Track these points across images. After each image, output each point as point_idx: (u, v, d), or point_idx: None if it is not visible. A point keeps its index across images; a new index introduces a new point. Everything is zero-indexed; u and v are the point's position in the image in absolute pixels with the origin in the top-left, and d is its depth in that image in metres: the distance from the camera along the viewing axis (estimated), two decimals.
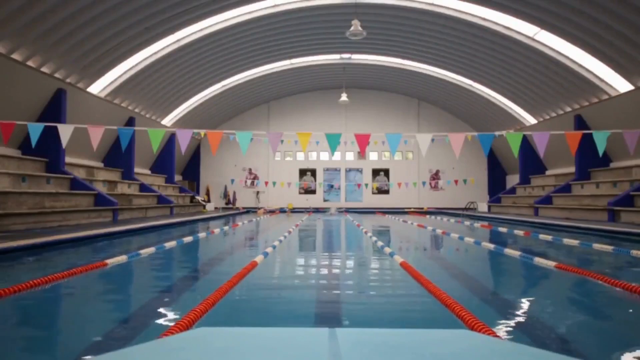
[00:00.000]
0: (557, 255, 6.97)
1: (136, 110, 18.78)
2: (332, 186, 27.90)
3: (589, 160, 17.03)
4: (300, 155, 27.95)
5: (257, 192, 27.61)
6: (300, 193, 27.74)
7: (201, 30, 16.28)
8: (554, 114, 19.40)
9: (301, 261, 7.33)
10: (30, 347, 3.01)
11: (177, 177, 25.78)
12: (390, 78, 24.73)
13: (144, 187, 18.49)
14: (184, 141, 8.58)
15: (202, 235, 10.88)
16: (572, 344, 3.04)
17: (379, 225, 15.49)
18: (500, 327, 3.30)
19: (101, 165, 17.53)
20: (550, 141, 8.87)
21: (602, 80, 15.63)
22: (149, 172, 21.70)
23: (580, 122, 17.39)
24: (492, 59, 18.05)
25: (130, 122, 18.19)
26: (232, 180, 25.19)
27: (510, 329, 3.28)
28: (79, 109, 14.72)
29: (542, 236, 10.20)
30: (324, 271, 6.11)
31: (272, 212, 24.45)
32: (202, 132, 9.61)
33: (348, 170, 28.15)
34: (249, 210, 25.67)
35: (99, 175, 16.44)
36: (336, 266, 6.55)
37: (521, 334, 3.17)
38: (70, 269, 5.26)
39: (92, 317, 3.73)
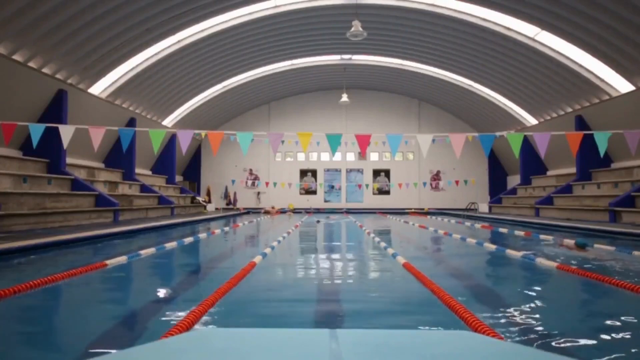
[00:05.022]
0: (558, 256, 6.96)
1: (137, 111, 18.80)
2: (332, 187, 27.90)
3: (590, 160, 17.02)
4: (301, 156, 27.95)
5: (258, 193, 27.62)
6: (301, 194, 27.74)
7: (202, 31, 16.30)
8: (554, 115, 19.39)
9: (302, 262, 7.33)
10: (31, 348, 3.01)
11: (178, 178, 25.80)
12: (390, 78, 24.74)
13: (144, 188, 18.50)
14: (184, 142, 8.59)
15: (202, 235, 10.88)
16: (573, 344, 3.03)
17: (380, 226, 15.49)
18: (501, 327, 3.29)
19: (102, 166, 17.55)
20: (551, 142, 8.85)
21: (602, 81, 15.62)
22: (149, 172, 21.72)
23: (581, 123, 17.38)
24: (492, 59, 18.05)
25: (131, 122, 18.20)
26: (233, 181, 25.20)
27: (512, 329, 3.28)
28: (80, 109, 14.74)
29: (543, 237, 10.19)
30: (326, 272, 6.10)
31: (267, 212, 24.33)
32: (203, 132, 9.62)
33: (349, 171, 28.15)
34: (249, 211, 25.69)
35: (100, 176, 16.46)
36: (338, 267, 6.54)
37: (523, 335, 3.17)
38: (70, 270, 5.27)
39: (93, 318, 3.73)
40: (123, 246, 8.82)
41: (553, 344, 3.01)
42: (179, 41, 16.37)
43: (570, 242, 7.89)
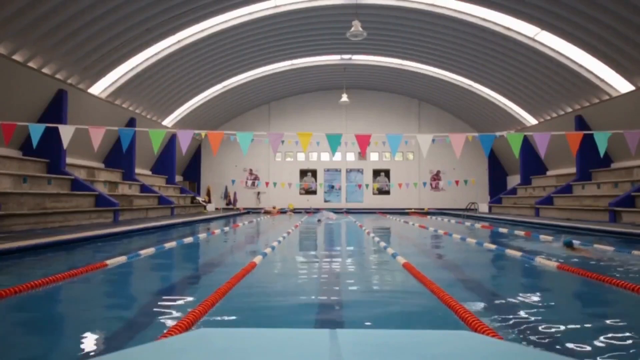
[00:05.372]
0: (558, 256, 6.96)
1: (137, 111, 18.80)
2: (332, 187, 27.90)
3: (590, 160, 17.02)
4: (301, 156, 27.95)
5: (258, 193, 27.62)
6: (301, 194, 27.74)
7: (202, 31, 16.30)
8: (554, 115, 19.39)
9: (302, 262, 7.32)
10: (31, 348, 3.01)
11: (178, 178, 25.79)
12: (390, 78, 24.74)
13: (144, 188, 18.50)
14: (184, 142, 8.59)
15: (202, 235, 10.88)
16: (572, 344, 3.03)
17: (380, 226, 15.49)
18: (501, 327, 3.29)
19: (102, 166, 17.54)
20: (551, 142, 8.85)
21: (602, 81, 15.62)
22: (149, 172, 21.72)
23: (581, 123, 17.38)
24: (492, 59, 18.05)
25: (131, 122, 18.20)
26: (233, 181, 25.20)
27: (512, 329, 3.28)
28: (80, 109, 14.73)
29: (543, 237, 10.20)
30: (326, 272, 6.10)
31: (269, 212, 24.40)
32: (203, 132, 9.62)
33: (349, 171, 28.14)
34: (249, 211, 25.70)
35: (100, 176, 16.45)
36: (337, 267, 6.54)
37: (523, 334, 3.17)
38: (70, 270, 5.27)
39: (93, 318, 3.73)
40: (123, 246, 8.82)
41: (553, 343, 3.01)
42: (179, 41, 16.36)
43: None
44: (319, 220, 16.66)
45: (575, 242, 8.09)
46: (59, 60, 12.84)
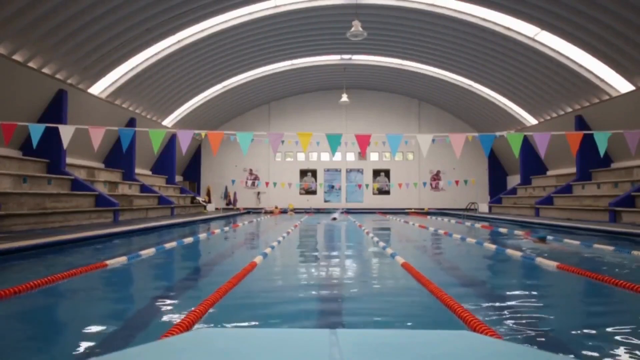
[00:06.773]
0: (558, 256, 6.96)
1: (137, 111, 18.80)
2: (332, 187, 27.90)
3: (590, 160, 17.02)
4: (301, 156, 27.95)
5: (258, 193, 27.62)
6: (301, 194, 27.74)
7: (202, 31, 16.30)
8: (554, 115, 19.39)
9: (301, 262, 7.33)
10: (31, 348, 3.01)
11: (178, 178, 25.80)
12: (390, 78, 24.74)
13: (144, 188, 18.50)
14: (184, 142, 8.59)
15: (202, 236, 10.88)
16: (572, 344, 3.04)
17: (380, 226, 15.49)
18: (501, 327, 3.29)
19: (102, 166, 17.54)
20: (551, 142, 8.86)
21: (602, 81, 15.62)
22: (149, 172, 21.72)
23: (581, 123, 17.38)
24: (492, 59, 18.05)
25: (131, 122, 18.20)
26: (233, 181, 25.20)
27: (512, 329, 3.28)
28: (80, 109, 14.74)
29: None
30: (325, 272, 6.10)
31: (270, 212, 24.61)
32: (203, 132, 9.62)
33: (349, 171, 28.14)
34: (249, 211, 25.71)
35: (100, 176, 16.46)
36: (337, 267, 6.54)
37: (522, 334, 3.17)
38: (70, 270, 5.27)
39: (93, 318, 3.73)
40: (123, 246, 8.82)
41: (553, 343, 3.01)
42: (179, 41, 16.36)
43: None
44: (334, 219, 17.65)
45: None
46: (59, 60, 12.84)
